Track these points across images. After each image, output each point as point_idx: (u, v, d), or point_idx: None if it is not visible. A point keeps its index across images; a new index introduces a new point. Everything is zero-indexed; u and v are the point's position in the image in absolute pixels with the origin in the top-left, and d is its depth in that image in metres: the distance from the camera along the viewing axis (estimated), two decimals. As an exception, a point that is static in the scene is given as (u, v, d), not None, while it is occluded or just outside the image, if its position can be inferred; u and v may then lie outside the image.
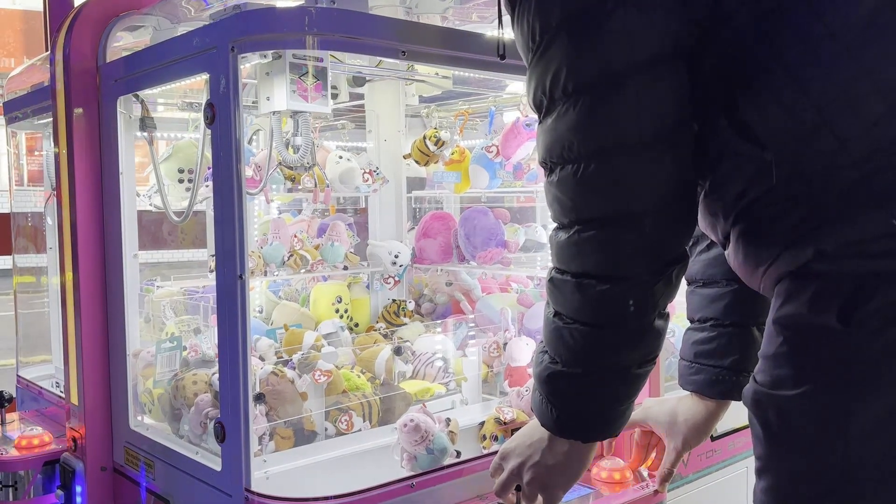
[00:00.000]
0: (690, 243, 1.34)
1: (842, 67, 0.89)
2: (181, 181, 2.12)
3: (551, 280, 1.08)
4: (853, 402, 0.88)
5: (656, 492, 1.74)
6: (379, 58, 1.93)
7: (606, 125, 0.97)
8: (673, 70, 0.98)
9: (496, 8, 1.20)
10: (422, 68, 2.14)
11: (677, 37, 0.98)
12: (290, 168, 1.97)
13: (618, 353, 1.07)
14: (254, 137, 2.51)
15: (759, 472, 0.97)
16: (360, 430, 1.87)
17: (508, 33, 1.16)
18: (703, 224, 1.08)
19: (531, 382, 2.01)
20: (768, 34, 0.94)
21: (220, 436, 1.64)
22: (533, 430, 1.17)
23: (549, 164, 1.03)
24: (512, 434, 1.86)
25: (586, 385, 1.08)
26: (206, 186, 1.94)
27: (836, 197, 0.89)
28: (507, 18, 1.12)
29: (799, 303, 0.92)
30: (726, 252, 1.07)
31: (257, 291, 2.53)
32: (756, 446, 0.97)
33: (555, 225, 1.07)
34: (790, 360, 0.93)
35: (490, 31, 2.23)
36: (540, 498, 1.18)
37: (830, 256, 0.90)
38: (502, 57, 1.41)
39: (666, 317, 1.08)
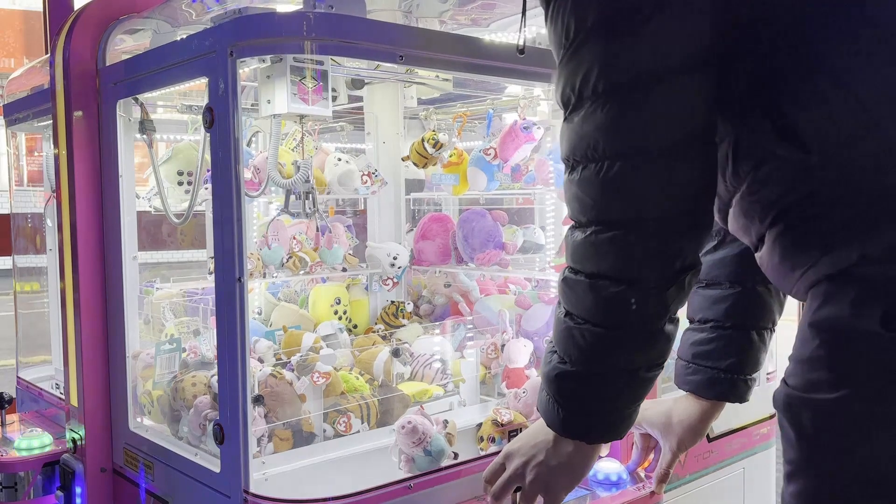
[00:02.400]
0: None
1: (890, 71, 0.88)
2: (181, 183, 2.13)
3: (564, 279, 1.08)
4: (894, 408, 0.87)
5: (653, 493, 1.74)
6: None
7: (635, 128, 0.97)
8: (706, 76, 0.98)
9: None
10: (422, 70, 2.15)
11: (713, 43, 0.97)
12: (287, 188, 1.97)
13: (627, 356, 1.07)
14: (252, 139, 2.51)
15: (790, 477, 0.96)
16: (358, 431, 1.87)
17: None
18: (735, 226, 1.08)
19: (529, 384, 2.02)
20: (814, 36, 0.93)
21: (219, 437, 1.65)
22: (537, 431, 1.17)
23: (571, 162, 1.03)
24: (510, 436, 1.88)
25: (594, 386, 1.09)
26: (206, 188, 1.95)
27: (883, 201, 0.89)
28: (534, 12, 1.11)
29: (839, 306, 0.91)
30: (758, 254, 1.06)
31: (256, 293, 2.53)
32: (787, 450, 0.96)
33: (571, 223, 1.07)
34: (827, 364, 0.92)
35: (487, 34, 2.24)
36: (540, 499, 1.18)
37: (876, 260, 0.89)
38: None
39: (676, 322, 1.08)
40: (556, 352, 1.11)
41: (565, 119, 1.04)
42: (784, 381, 0.98)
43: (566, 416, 1.11)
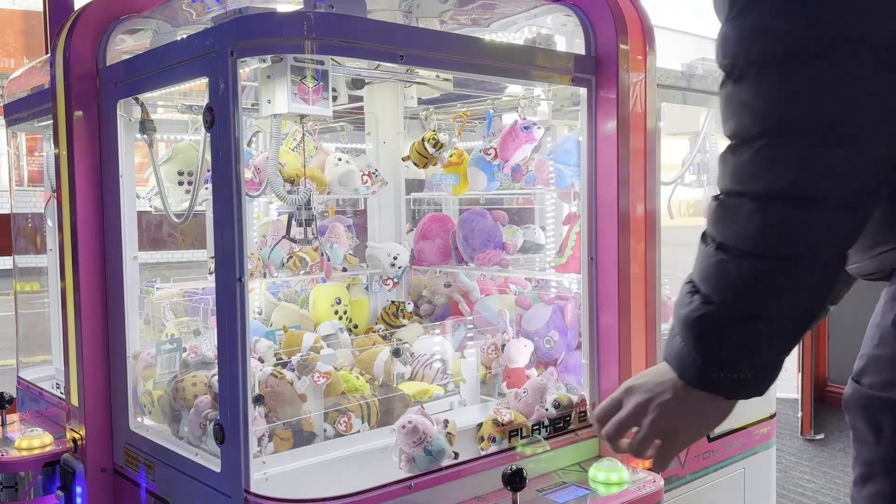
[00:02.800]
0: None
1: None
2: (181, 183, 2.13)
3: (720, 203, 0.91)
4: None
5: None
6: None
7: (841, 18, 0.81)
8: None
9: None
10: (422, 70, 2.15)
11: None
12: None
13: (793, 295, 0.89)
14: (252, 139, 2.52)
15: (867, 478, 0.91)
16: (358, 431, 1.88)
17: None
18: None
19: (529, 384, 2.02)
20: None
21: (220, 437, 1.65)
22: (665, 370, 0.99)
23: (739, 65, 0.87)
24: (509, 436, 1.88)
25: (745, 331, 0.91)
26: (206, 188, 1.95)
27: None
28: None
29: None
30: None
31: (256, 293, 2.54)
32: (861, 451, 0.92)
33: (728, 143, 0.91)
34: None
35: (487, 34, 2.24)
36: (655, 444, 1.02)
37: None
38: None
39: (844, 262, 0.90)
40: (697, 291, 0.93)
41: (730, 18, 0.87)
42: (855, 380, 0.92)
43: (705, 366, 0.93)
